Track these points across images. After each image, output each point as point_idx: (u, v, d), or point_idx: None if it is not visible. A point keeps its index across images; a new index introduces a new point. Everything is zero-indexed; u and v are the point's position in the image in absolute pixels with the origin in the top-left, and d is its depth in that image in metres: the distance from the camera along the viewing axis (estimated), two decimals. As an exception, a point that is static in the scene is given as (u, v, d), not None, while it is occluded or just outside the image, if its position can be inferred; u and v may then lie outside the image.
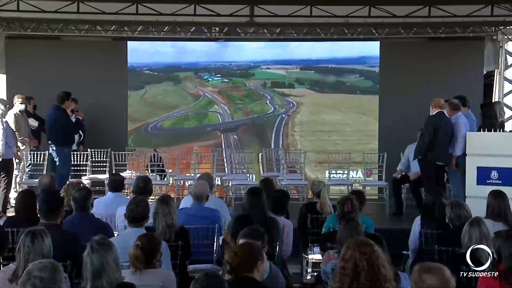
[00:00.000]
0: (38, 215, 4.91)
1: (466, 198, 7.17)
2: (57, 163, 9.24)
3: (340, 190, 10.67)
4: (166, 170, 10.43)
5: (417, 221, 5.93)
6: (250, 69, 12.43)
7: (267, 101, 12.59)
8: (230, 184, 10.08)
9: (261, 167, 11.69)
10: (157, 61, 12.43)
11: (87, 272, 3.56)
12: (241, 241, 4.21)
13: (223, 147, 12.00)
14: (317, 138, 12.56)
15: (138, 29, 11.56)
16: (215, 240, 5.73)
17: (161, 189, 10.00)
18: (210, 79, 12.54)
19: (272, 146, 12.07)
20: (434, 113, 8.08)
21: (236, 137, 12.68)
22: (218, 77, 12.54)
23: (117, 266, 3.62)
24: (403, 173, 9.29)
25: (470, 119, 8.36)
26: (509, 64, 11.86)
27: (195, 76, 12.55)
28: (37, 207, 4.93)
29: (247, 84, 12.56)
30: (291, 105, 12.62)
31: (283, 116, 12.65)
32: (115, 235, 5.32)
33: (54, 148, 9.26)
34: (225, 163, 11.61)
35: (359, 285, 3.32)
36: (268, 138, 12.51)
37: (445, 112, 8.14)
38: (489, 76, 11.78)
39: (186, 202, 6.42)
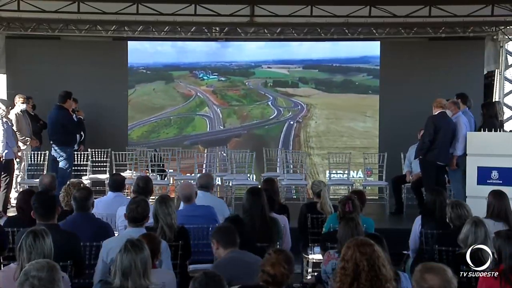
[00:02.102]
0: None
1: (466, 198, 7.18)
2: (59, 164, 9.23)
3: (340, 190, 10.66)
4: (167, 170, 10.43)
5: (418, 220, 5.93)
6: (250, 68, 12.10)
7: (269, 102, 11.86)
8: (230, 184, 10.07)
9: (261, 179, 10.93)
10: (155, 61, 12.12)
11: (116, 268, 3.56)
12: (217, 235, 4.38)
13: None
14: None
15: (138, 29, 11.56)
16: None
17: (161, 189, 9.99)
18: (205, 78, 12.04)
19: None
20: (436, 113, 8.10)
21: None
22: (214, 75, 12.04)
23: (144, 272, 3.57)
24: (412, 174, 9.22)
25: (468, 116, 8.39)
26: (509, 64, 11.85)
27: (190, 75, 12.04)
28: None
29: (246, 83, 12.04)
30: (299, 107, 11.69)
31: (291, 122, 11.45)
32: (115, 235, 5.32)
33: (57, 148, 9.26)
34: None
35: (360, 285, 3.32)
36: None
37: (447, 112, 8.15)
38: (489, 76, 11.78)
39: (182, 204, 6.42)
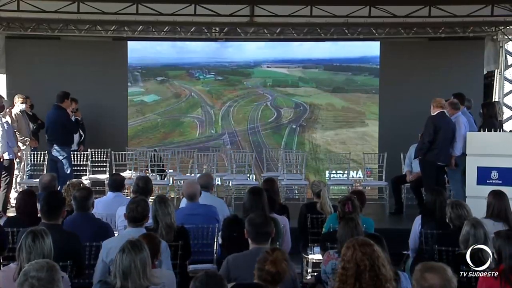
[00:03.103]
0: (39, 215, 4.91)
1: (466, 198, 7.18)
2: (60, 164, 9.20)
3: (340, 190, 10.66)
4: (166, 170, 10.42)
5: (418, 220, 5.93)
6: (249, 68, 11.94)
7: (268, 103, 11.55)
8: (230, 184, 10.07)
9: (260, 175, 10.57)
10: (152, 60, 11.91)
11: (116, 270, 3.57)
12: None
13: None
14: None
15: (138, 29, 11.56)
16: (215, 240, 5.74)
17: (161, 189, 9.98)
18: (201, 77, 11.81)
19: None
20: (435, 113, 8.10)
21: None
22: (212, 74, 11.79)
23: (144, 272, 3.57)
24: (412, 173, 9.21)
25: (466, 116, 8.40)
26: (509, 64, 11.86)
27: (186, 74, 11.82)
28: (39, 207, 4.92)
29: (245, 82, 11.81)
30: (301, 108, 11.27)
31: (293, 126, 10.89)
32: (115, 235, 5.32)
33: (57, 148, 9.23)
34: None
35: (362, 285, 3.32)
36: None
37: (446, 112, 8.15)
38: (489, 76, 11.78)
39: (186, 201, 6.43)
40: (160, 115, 11.86)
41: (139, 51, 12.01)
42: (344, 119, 11.61)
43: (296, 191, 10.80)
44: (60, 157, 9.20)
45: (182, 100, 11.80)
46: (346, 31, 11.49)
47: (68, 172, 9.16)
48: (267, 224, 4.36)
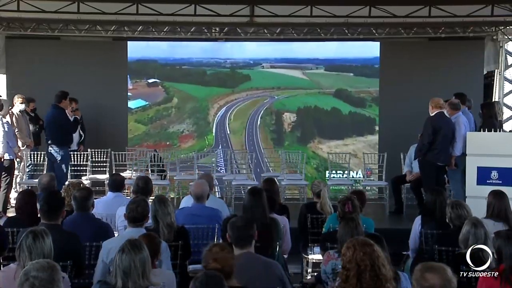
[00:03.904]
0: (39, 215, 4.91)
1: (466, 198, 7.19)
2: (56, 164, 9.20)
3: (340, 189, 10.66)
4: (167, 170, 10.42)
5: (418, 220, 5.93)
6: (248, 68, 11.85)
7: (268, 106, 11.34)
8: (230, 184, 10.06)
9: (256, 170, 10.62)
10: (147, 60, 11.84)
11: (116, 270, 3.57)
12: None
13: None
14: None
15: (138, 29, 11.56)
16: (215, 241, 5.74)
17: (160, 189, 9.98)
18: (198, 77, 11.69)
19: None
20: (434, 114, 8.09)
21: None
22: (209, 75, 11.66)
23: (143, 272, 3.57)
24: (412, 173, 9.20)
25: (468, 116, 8.40)
26: (509, 64, 11.86)
27: (180, 75, 11.68)
28: (38, 207, 4.92)
29: (243, 84, 11.56)
30: (304, 112, 11.24)
31: (297, 134, 11.05)
32: (115, 235, 5.32)
33: (55, 147, 9.23)
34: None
35: (361, 285, 3.33)
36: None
37: (445, 112, 8.14)
38: (489, 76, 11.78)
39: (187, 202, 6.43)
40: (145, 124, 11.70)
41: (134, 51, 11.85)
42: (352, 126, 11.46)
43: (286, 191, 10.70)
44: (58, 157, 9.19)
45: (172, 105, 11.60)
46: (346, 31, 11.49)
47: (65, 172, 9.16)
48: (248, 227, 4.26)
